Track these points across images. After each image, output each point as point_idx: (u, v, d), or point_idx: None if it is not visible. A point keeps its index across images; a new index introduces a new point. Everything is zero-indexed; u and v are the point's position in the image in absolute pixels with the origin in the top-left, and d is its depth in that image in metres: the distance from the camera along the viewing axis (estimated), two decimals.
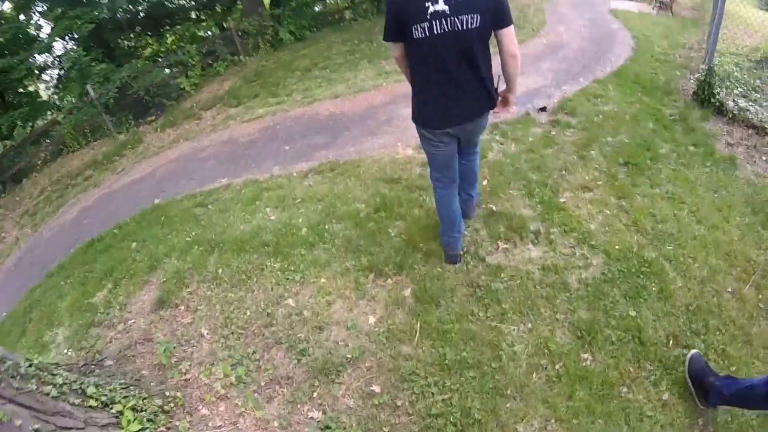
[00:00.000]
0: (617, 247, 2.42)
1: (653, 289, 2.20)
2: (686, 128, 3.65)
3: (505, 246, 2.51)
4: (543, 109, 4.02)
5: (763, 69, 4.57)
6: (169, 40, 12.28)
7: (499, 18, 1.79)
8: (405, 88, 2.51)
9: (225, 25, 10.47)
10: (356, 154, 3.78)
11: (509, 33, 1.83)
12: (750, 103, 3.87)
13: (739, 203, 2.79)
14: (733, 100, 3.88)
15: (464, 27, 1.74)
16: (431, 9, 1.71)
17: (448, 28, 1.74)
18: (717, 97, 3.91)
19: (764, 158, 3.36)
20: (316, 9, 10.82)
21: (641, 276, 2.26)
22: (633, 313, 2.07)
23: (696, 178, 3.01)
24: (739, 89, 4.08)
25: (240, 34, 8.57)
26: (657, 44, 5.98)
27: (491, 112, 2.10)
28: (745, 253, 2.40)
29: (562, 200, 2.79)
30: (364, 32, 8.60)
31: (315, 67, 6.99)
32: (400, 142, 3.76)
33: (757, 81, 4.29)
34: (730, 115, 3.81)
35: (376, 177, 3.27)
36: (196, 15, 12.88)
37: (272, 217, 3.06)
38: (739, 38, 4.86)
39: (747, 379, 1.69)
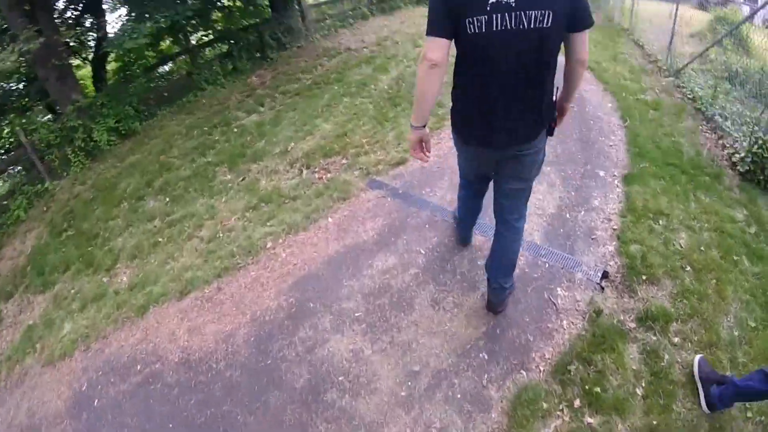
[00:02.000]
0: None
1: None
2: None
3: None
4: (604, 276, 2.43)
5: None
6: None
7: (578, 18, 1.47)
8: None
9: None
10: None
11: (585, 37, 1.53)
12: None
13: None
14: None
15: (532, 25, 1.40)
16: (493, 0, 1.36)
17: (511, 24, 1.40)
18: None
19: None
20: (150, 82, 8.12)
21: None
22: None
23: None
24: None
25: (39, 147, 5.86)
26: (622, 78, 5.22)
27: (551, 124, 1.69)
28: None
29: None
30: (217, 108, 6.38)
31: (149, 189, 4.62)
32: None
33: None
34: None
35: None
36: None
37: None
38: None
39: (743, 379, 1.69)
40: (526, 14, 1.39)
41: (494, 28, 1.42)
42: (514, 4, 1.38)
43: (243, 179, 4.02)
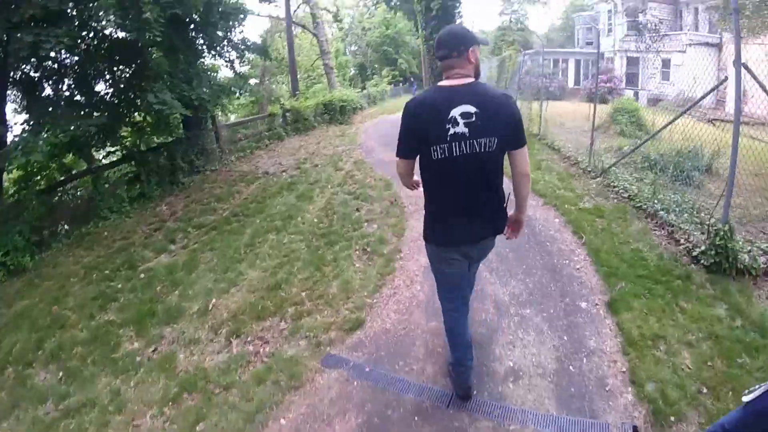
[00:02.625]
0: None
1: None
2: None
3: None
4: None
5: None
6: None
7: (515, 139, 1.91)
8: None
9: None
10: None
11: (524, 153, 1.95)
12: None
13: None
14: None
15: (483, 149, 1.84)
16: (452, 131, 1.81)
17: (467, 150, 1.83)
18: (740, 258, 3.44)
19: None
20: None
21: None
22: None
23: None
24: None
25: None
26: (555, 188, 5.58)
27: (503, 234, 2.17)
28: None
29: None
30: (121, 243, 5.66)
31: (39, 352, 3.57)
32: None
33: None
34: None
35: None
36: None
37: None
38: None
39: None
40: (477, 141, 1.83)
41: (455, 153, 1.84)
42: (468, 134, 1.81)
43: (155, 350, 3.37)
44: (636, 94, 20.12)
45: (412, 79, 33.78)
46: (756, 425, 1.48)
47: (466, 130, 1.81)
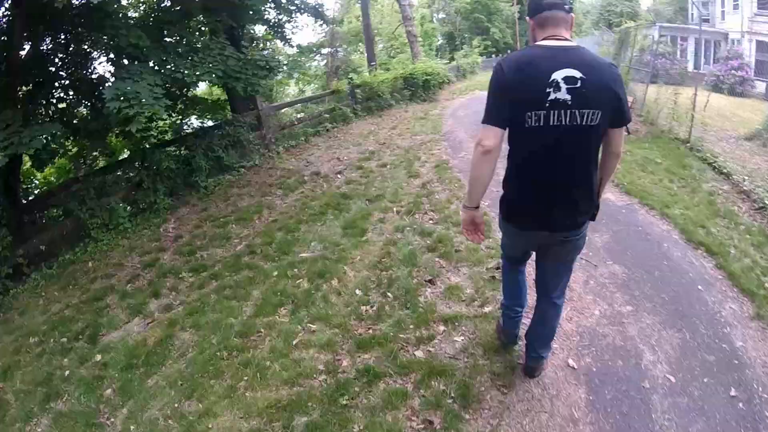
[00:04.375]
0: None
1: None
2: None
3: None
4: None
5: None
6: None
7: (620, 116, 1.66)
8: None
9: None
10: None
11: (621, 132, 1.73)
12: None
13: None
14: None
15: (584, 122, 1.58)
16: (552, 96, 1.54)
17: (566, 121, 1.57)
18: None
19: None
20: None
21: None
22: None
23: None
24: None
25: None
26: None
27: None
28: None
29: None
30: (100, 286, 3.99)
31: None
32: None
33: None
34: None
35: None
36: None
37: None
38: None
39: None
40: (580, 112, 1.55)
41: (551, 123, 1.56)
42: (570, 102, 1.54)
43: None
44: None
45: (508, 51, 29.47)
46: None
47: (569, 97, 1.52)
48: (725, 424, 1.89)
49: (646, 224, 4.06)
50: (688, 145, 6.55)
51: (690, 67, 18.93)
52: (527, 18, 1.72)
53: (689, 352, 2.51)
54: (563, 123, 1.55)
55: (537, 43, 1.64)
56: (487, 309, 2.86)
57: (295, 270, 3.66)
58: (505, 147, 1.70)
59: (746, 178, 5.11)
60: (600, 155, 1.76)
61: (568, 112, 1.54)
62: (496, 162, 1.65)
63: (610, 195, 4.70)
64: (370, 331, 2.82)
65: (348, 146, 7.67)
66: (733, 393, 2.24)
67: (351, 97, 10.34)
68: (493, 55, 28.61)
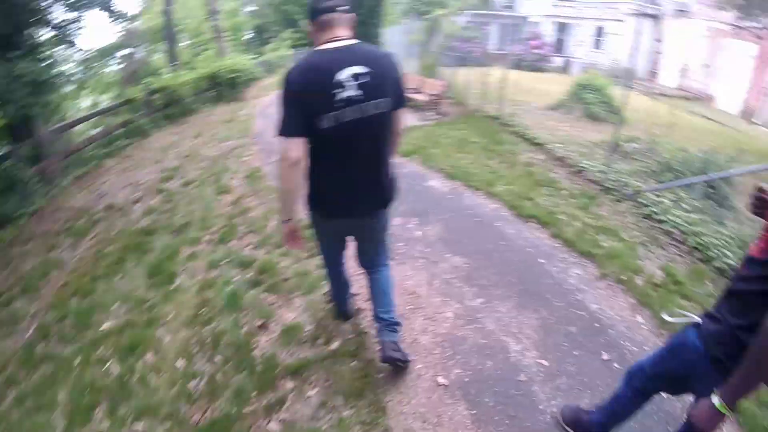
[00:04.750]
0: None
1: None
2: None
3: None
4: None
5: None
6: None
7: (400, 99, 1.78)
8: None
9: None
10: None
11: (403, 112, 1.84)
12: None
13: None
14: None
15: (376, 111, 1.67)
16: (341, 95, 1.59)
17: (359, 114, 1.64)
18: None
19: None
20: None
21: None
22: None
23: None
24: None
25: None
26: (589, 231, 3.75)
27: None
28: None
29: None
30: None
31: None
32: None
33: None
34: None
35: None
36: None
37: None
38: None
39: (609, 397, 1.71)
40: (371, 104, 1.64)
41: (345, 120, 1.62)
42: (361, 97, 1.62)
43: None
44: (567, 62, 18.80)
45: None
46: (672, 360, 1.42)
47: (360, 92, 1.61)
48: (610, 389, 1.88)
49: (474, 206, 4.17)
50: (498, 121, 7.24)
51: (493, 48, 21.91)
52: (308, 21, 1.71)
53: (551, 329, 2.54)
54: (356, 117, 1.62)
55: (319, 47, 1.66)
56: (334, 345, 2.43)
57: (101, 349, 2.65)
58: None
59: (559, 145, 5.81)
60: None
61: (360, 106, 1.62)
62: (303, 170, 1.69)
63: (433, 182, 4.76)
64: (208, 413, 2.12)
65: (147, 165, 6.36)
66: (605, 357, 2.32)
67: (148, 106, 8.70)
68: (305, 48, 28.31)
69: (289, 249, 1.90)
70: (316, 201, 1.88)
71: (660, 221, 3.85)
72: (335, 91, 1.57)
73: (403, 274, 3.07)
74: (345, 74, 1.58)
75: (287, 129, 1.60)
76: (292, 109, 1.60)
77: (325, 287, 2.72)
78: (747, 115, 11.69)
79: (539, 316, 2.66)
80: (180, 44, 25.58)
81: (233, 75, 11.48)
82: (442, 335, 2.51)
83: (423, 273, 3.10)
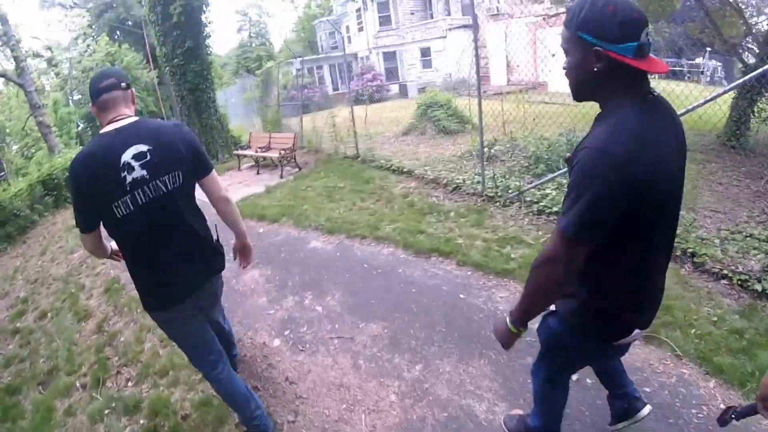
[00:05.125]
0: None
1: None
2: None
3: None
4: None
5: None
6: None
7: (202, 166, 1.75)
8: None
9: None
10: None
11: (214, 178, 1.80)
12: None
13: None
14: None
15: (168, 187, 1.63)
16: (129, 178, 1.55)
17: (152, 194, 1.60)
18: None
19: None
20: None
21: None
22: None
23: None
24: None
25: None
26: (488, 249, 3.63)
27: (240, 266, 2.10)
28: None
29: None
30: None
31: None
32: None
33: None
34: None
35: None
36: None
37: None
38: None
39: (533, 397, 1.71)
40: (161, 181, 1.60)
41: (139, 203, 1.57)
42: (148, 177, 1.56)
43: None
44: (403, 87, 20.50)
45: (158, 119, 27.57)
46: (554, 354, 1.51)
47: (144, 172, 1.56)
48: (592, 407, 1.80)
49: (368, 258, 3.93)
50: (359, 159, 7.29)
51: (330, 90, 22.72)
52: (90, 105, 1.69)
53: (509, 369, 2.36)
54: (150, 197, 1.58)
55: (103, 130, 1.62)
56: None
57: None
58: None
59: (426, 168, 5.86)
60: (213, 205, 1.86)
61: (150, 185, 1.57)
62: (102, 245, 1.78)
63: (314, 243, 4.50)
64: None
65: None
66: (574, 378, 2.14)
67: None
68: None
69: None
70: (148, 294, 1.78)
71: (555, 212, 3.98)
72: (123, 174, 1.53)
73: (321, 365, 2.67)
74: (129, 155, 1.55)
75: (80, 223, 1.62)
76: (80, 204, 1.59)
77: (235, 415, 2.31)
78: None
79: (489, 360, 2.45)
80: (9, 150, 21.90)
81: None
82: (396, 426, 2.16)
83: (342, 356, 2.74)
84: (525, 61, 11.29)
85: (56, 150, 13.72)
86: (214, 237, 1.90)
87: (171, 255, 1.69)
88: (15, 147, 23.11)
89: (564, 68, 1.15)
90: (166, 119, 9.97)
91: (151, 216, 1.60)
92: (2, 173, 12.06)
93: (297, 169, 7.86)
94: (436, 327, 2.80)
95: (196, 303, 1.84)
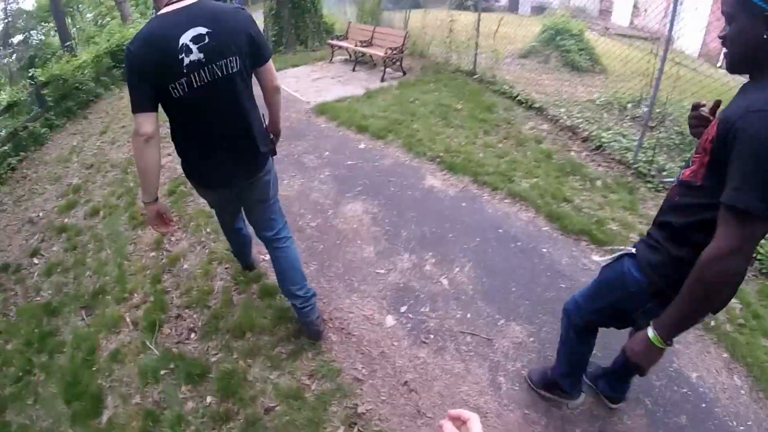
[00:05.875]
0: None
1: None
2: None
3: None
4: None
5: None
6: None
7: (259, 54, 1.69)
8: None
9: None
10: None
11: (270, 67, 1.76)
12: None
13: None
14: None
15: (225, 72, 1.59)
16: (186, 60, 1.50)
17: (208, 78, 1.56)
18: None
19: None
20: None
21: None
22: None
23: None
24: None
25: None
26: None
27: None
28: None
29: None
30: None
31: None
32: None
33: None
34: None
35: None
36: None
37: None
38: None
39: (559, 344, 1.71)
40: (217, 65, 1.56)
41: (195, 86, 1.55)
42: (204, 60, 1.52)
43: None
44: (514, 0, 17.37)
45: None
46: (609, 294, 1.41)
47: (201, 55, 1.51)
48: None
49: (502, 221, 3.15)
50: (476, 77, 6.15)
51: None
52: None
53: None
54: (206, 81, 1.55)
55: (161, 11, 1.55)
56: None
57: None
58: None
59: (560, 109, 4.80)
60: (263, 93, 1.81)
61: (206, 69, 1.54)
62: (159, 145, 1.59)
63: (433, 181, 3.69)
64: None
65: (44, 187, 4.91)
66: None
67: (39, 104, 6.88)
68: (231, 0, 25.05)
69: (156, 231, 1.76)
70: (188, 172, 1.84)
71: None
72: (181, 56, 1.49)
73: (450, 372, 2.08)
74: (187, 37, 1.49)
75: (137, 104, 1.53)
76: (138, 84, 1.51)
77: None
78: (711, 59, 10.74)
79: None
80: (83, 18, 21.93)
81: None
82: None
83: (477, 365, 2.11)
84: (656, 6, 8.84)
85: (129, 20, 13.33)
86: (265, 124, 1.90)
87: (218, 143, 1.70)
88: (89, 15, 22.92)
89: (720, 37, 1.02)
90: (229, 2, 8.93)
91: (206, 100, 1.58)
92: (68, 43, 11.83)
93: (401, 74, 6.77)
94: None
95: (233, 194, 1.92)
